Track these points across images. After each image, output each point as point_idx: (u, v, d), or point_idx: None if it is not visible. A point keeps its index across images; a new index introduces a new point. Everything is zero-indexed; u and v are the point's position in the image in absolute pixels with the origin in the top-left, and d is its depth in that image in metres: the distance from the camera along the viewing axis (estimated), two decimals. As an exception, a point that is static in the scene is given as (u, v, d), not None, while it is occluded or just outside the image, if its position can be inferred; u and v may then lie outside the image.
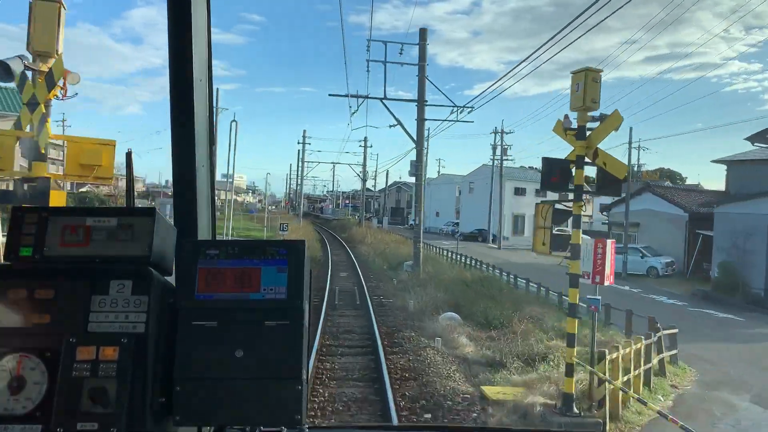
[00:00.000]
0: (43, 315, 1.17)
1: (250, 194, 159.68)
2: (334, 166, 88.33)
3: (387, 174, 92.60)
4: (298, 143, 66.41)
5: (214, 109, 1.60)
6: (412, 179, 33.13)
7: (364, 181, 66.61)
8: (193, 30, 1.48)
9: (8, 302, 1.17)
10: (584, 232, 8.76)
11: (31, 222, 1.25)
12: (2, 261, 1.25)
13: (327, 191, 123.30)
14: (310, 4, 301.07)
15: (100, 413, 1.11)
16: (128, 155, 1.45)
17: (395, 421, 7.76)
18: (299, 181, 70.19)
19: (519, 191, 58.35)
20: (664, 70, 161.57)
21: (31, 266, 1.23)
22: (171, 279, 1.32)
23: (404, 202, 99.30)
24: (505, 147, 51.74)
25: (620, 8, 8.85)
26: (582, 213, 8.45)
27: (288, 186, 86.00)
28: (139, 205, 1.47)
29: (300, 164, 69.09)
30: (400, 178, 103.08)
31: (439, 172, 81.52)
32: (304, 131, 67.48)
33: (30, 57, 5.56)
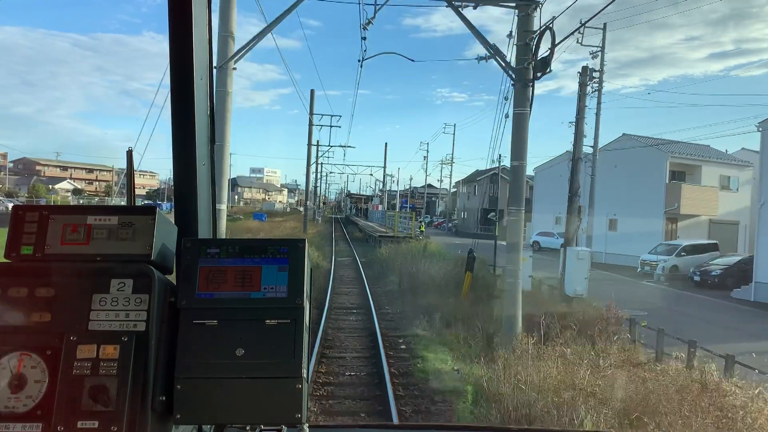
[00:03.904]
0: (43, 313, 1.17)
1: (284, 193, 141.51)
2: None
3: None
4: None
5: (215, 108, 1.59)
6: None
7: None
8: (194, 29, 1.47)
9: (9, 300, 1.18)
10: None
11: (32, 220, 1.25)
12: (3, 259, 1.25)
13: (379, 190, 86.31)
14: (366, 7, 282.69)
15: (101, 411, 1.11)
16: (128, 154, 1.45)
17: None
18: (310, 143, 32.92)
19: None
20: (729, 67, 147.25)
21: (32, 265, 1.23)
22: (172, 278, 1.32)
23: (502, 200, 62.07)
24: None
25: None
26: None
27: (317, 175, 61.23)
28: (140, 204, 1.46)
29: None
30: (492, 162, 69.65)
31: (595, 142, 29.78)
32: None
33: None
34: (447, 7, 10.89)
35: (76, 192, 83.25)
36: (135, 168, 1.50)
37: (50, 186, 79.93)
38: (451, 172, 66.53)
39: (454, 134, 66.23)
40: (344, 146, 50.09)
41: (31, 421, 1.10)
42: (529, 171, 47.58)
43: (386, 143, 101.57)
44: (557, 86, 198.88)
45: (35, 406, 1.11)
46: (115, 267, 1.21)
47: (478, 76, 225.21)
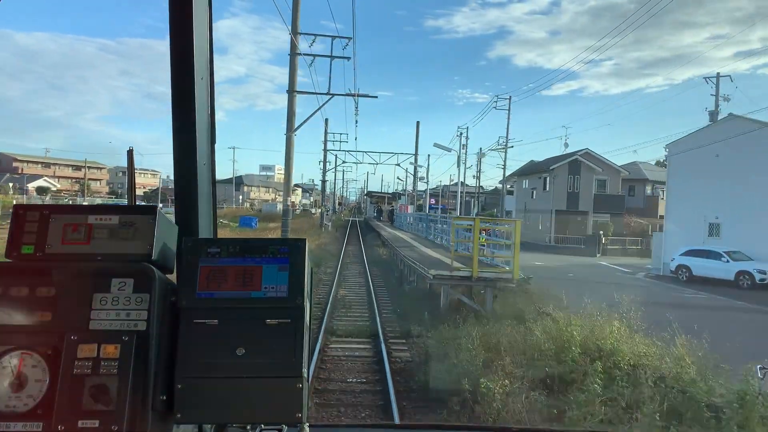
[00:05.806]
0: (44, 313, 1.17)
1: (297, 192, 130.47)
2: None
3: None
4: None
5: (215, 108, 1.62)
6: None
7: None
8: (195, 28, 1.47)
9: (10, 300, 1.18)
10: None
11: (33, 220, 1.25)
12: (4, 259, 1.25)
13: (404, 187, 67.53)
14: (388, 9, 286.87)
15: (102, 411, 1.11)
16: (129, 153, 1.45)
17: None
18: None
19: None
20: (757, 65, 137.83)
21: (33, 264, 1.23)
22: (172, 277, 1.32)
23: (587, 198, 43.27)
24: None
25: None
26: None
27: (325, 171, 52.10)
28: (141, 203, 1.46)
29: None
30: (566, 147, 50.78)
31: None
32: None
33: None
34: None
35: (41, 191, 74.05)
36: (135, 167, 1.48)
37: (13, 184, 71.51)
38: (504, 159, 45.39)
39: (509, 110, 44.75)
40: (356, 94, 24.27)
41: (32, 420, 1.10)
42: (646, 157, 34.91)
43: (418, 122, 79.74)
44: (580, 86, 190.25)
45: (36, 406, 1.11)
46: (116, 266, 1.22)
47: (499, 77, 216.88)
